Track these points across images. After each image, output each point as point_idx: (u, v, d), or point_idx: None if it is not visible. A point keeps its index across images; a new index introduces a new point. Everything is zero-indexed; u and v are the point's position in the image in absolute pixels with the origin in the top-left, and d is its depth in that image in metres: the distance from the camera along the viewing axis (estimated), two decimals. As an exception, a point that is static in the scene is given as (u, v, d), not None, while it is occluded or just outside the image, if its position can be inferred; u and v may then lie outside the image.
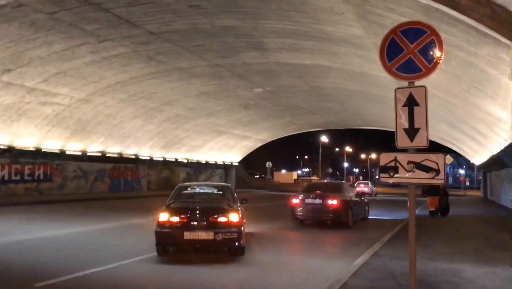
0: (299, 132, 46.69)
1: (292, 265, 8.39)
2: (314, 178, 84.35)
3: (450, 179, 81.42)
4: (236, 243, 8.19)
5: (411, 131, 5.24)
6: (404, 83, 5.38)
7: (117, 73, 20.42)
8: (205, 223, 8.04)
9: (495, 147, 20.30)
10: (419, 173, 5.18)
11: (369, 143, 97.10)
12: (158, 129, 30.38)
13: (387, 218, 18.10)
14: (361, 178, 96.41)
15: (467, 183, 71.42)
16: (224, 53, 18.20)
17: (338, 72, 19.55)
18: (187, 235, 7.91)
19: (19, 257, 8.20)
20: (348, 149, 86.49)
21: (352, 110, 31.47)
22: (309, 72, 20.67)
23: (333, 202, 13.56)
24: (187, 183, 10.94)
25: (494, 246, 9.96)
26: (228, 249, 8.42)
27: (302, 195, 14.28)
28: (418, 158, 5.20)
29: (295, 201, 14.15)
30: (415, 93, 5.25)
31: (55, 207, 19.27)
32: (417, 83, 5.31)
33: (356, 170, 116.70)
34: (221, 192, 9.67)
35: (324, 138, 64.89)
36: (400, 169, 5.28)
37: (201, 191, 9.70)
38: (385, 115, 31.16)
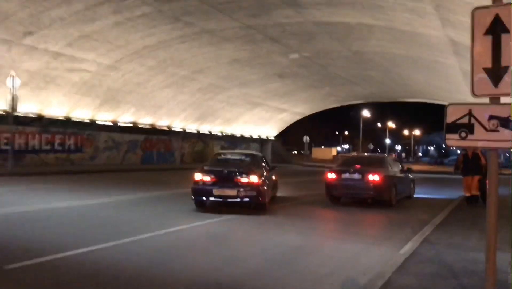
0: (339, 105, 44.33)
1: (322, 249, 6.95)
2: (354, 154, 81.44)
3: (502, 156, 76.63)
4: (256, 199, 9.96)
5: (496, 72, 3.55)
6: (487, 1, 3.65)
7: (144, 36, 19.23)
8: (230, 182, 9.88)
9: None
10: (507, 133, 3.52)
11: (414, 119, 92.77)
12: (191, 100, 29.24)
13: (436, 196, 16.18)
14: (403, 155, 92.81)
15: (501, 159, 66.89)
16: (256, 12, 16.51)
17: (383, 32, 17.44)
18: (216, 191, 9.88)
19: (9, 231, 7.19)
20: (391, 124, 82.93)
21: (397, 79, 29.03)
22: (350, 34, 18.64)
23: (374, 178, 11.85)
24: (221, 151, 14.79)
25: None
26: (249, 204, 10.11)
27: (339, 169, 12.66)
28: (506, 110, 3.53)
29: (331, 176, 12.52)
30: (504, 15, 3.53)
31: (84, 177, 18.64)
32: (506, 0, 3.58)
33: (399, 147, 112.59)
34: (248, 158, 11.45)
35: (365, 113, 61.94)
36: (477, 127, 3.63)
37: (232, 157, 11.79)
38: (434, 85, 28.58)
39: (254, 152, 13.89)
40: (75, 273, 5.13)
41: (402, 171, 14.21)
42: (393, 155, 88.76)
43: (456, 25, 13.34)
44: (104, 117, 25.79)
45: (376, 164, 12.87)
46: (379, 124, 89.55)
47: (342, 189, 12.40)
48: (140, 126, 28.59)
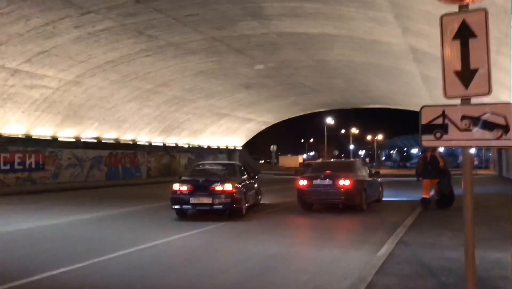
0: (304, 113, 44.92)
1: (300, 257, 6.99)
2: (320, 160, 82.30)
3: (460, 157, 79.48)
4: (231, 206, 10.64)
5: (466, 74, 3.72)
6: (454, 8, 3.83)
7: (106, 51, 18.88)
8: (205, 191, 10.57)
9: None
10: (479, 132, 3.68)
11: (376, 124, 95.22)
12: (156, 113, 28.88)
13: (402, 199, 16.60)
14: (367, 160, 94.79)
15: (476, 162, 69.75)
16: (220, 24, 16.56)
17: (345, 41, 17.87)
18: (192, 200, 10.60)
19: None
20: (354, 130, 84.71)
21: (359, 86, 29.75)
22: (313, 43, 18.99)
23: (345, 182, 12.06)
24: (201, 162, 15.55)
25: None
26: (224, 211, 10.82)
27: (310, 176, 12.79)
28: (477, 110, 3.69)
29: (302, 182, 12.64)
30: (471, 20, 3.71)
31: (48, 196, 17.96)
32: (472, 6, 3.76)
33: (363, 152, 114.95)
34: (225, 168, 12.33)
35: (329, 120, 63.08)
36: (451, 127, 3.78)
37: (210, 167, 12.69)
38: (394, 91, 29.49)
39: (232, 162, 15.68)
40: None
41: (370, 174, 14.51)
42: (358, 160, 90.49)
43: (415, 33, 13.85)
44: (66, 134, 25.06)
45: (346, 169, 13.08)
46: (343, 131, 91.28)
47: (314, 195, 12.51)
48: (104, 141, 27.94)
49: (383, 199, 15.57)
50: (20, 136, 22.49)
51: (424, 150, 11.68)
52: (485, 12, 3.65)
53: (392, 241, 7.33)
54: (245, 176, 12.38)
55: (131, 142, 30.18)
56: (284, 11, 14.91)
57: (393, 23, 13.23)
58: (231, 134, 40.43)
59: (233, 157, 42.14)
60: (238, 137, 42.70)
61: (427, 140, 3.88)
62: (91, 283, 5.40)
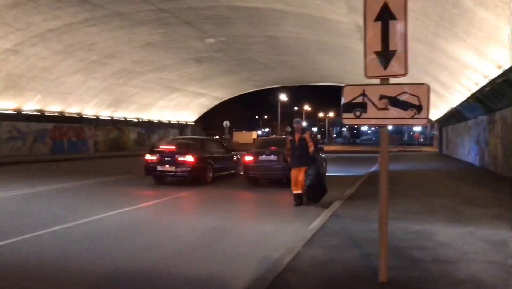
0: (257, 89, 45.03)
1: (239, 230, 7.12)
2: (274, 136, 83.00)
3: (406, 135, 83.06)
4: (191, 174, 12.82)
5: (385, 55, 3.87)
6: (343, 3, 3.94)
7: (47, 19, 17.94)
8: (171, 161, 12.70)
9: (456, 98, 19.63)
10: (395, 111, 3.87)
11: (328, 101, 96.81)
12: (103, 85, 27.95)
13: (346, 174, 17.19)
14: (319, 136, 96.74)
15: (421, 140, 73.07)
16: (168, -5, 16.11)
17: (294, 18, 17.92)
18: (160, 168, 12.81)
19: None
20: (307, 107, 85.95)
21: (311, 64, 30.09)
22: (264, 19, 18.91)
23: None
24: (177, 136, 19.59)
25: (463, 202, 9.06)
26: (186, 178, 13.07)
27: (256, 152, 12.96)
28: (394, 90, 3.87)
29: (248, 158, 12.79)
30: (392, 3, 3.84)
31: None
32: (393, -11, 3.88)
33: (315, 129, 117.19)
34: (194, 142, 14.44)
35: (283, 97, 63.61)
36: (370, 106, 3.94)
37: (182, 141, 14.52)
38: (344, 69, 30.03)
39: (204, 137, 18.52)
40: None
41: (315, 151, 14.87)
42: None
43: (362, 11, 14.08)
44: (6, 106, 23.81)
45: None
46: (296, 108, 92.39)
47: (259, 171, 12.73)
48: (48, 114, 26.81)
49: (327, 174, 16.03)
50: (-47, 107, 21.16)
51: (291, 130, 9.50)
52: (405, -5, 3.79)
53: (326, 214, 7.63)
54: (216, 149, 14.61)
55: (77, 116, 29.15)
56: (234, -16, 14.70)
57: (341, 1, 13.39)
58: (182, 109, 39.92)
59: (185, 132, 41.76)
60: (190, 113, 42.25)
61: (348, 118, 4.03)
62: (21, 257, 5.27)
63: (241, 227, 7.36)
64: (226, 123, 45.37)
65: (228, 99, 45.38)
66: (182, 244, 6.13)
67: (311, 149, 9.29)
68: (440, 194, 10.51)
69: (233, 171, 15.38)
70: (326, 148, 40.03)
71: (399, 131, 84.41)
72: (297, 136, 9.45)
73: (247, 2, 16.66)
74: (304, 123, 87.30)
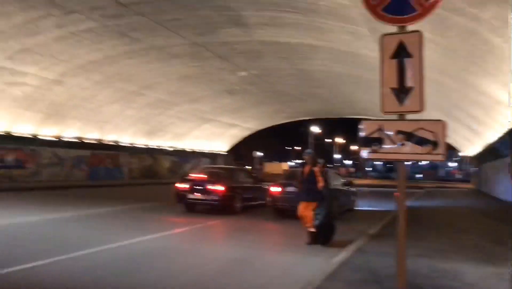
0: (289, 121, 45.33)
1: (261, 261, 7.15)
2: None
3: (443, 171, 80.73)
4: (221, 203, 12.99)
5: (401, 92, 3.97)
6: (393, 29, 4.08)
7: (89, 52, 18.96)
8: (201, 189, 12.97)
9: (491, 135, 19.16)
10: (411, 146, 3.92)
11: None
12: (139, 114, 28.92)
13: (376, 209, 16.91)
14: (352, 169, 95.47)
15: (459, 176, 70.73)
16: (202, 30, 16.77)
17: (325, 52, 18.21)
18: (190, 196, 13.09)
19: None
20: (340, 139, 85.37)
21: (342, 97, 30.18)
22: (295, 53, 19.30)
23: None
24: (207, 165, 18.36)
25: (496, 241, 8.77)
26: (216, 207, 13.07)
27: (282, 183, 13.02)
28: (410, 126, 3.94)
29: (275, 189, 12.88)
30: (407, 41, 3.97)
31: (24, 195, 17.79)
32: (409, 28, 4.02)
33: (349, 162, 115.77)
34: (223, 171, 14.73)
35: (315, 128, 63.58)
36: (386, 141, 4.01)
37: (212, 170, 14.99)
38: (376, 103, 29.66)
39: (233, 167, 18.54)
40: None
41: (343, 184, 14.81)
42: (343, 169, 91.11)
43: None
44: (47, 132, 24.96)
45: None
46: (328, 140, 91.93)
47: (286, 202, 12.73)
48: (86, 141, 27.87)
49: (357, 208, 15.87)
50: (0, 133, 22.34)
51: (303, 162, 8.91)
52: (420, 34, 3.91)
53: (350, 249, 7.56)
54: (246, 179, 14.98)
55: (113, 144, 30.13)
56: (264, 20, 15.18)
57: (368, 36, 13.57)
58: (215, 139, 40.57)
59: (217, 161, 42.26)
60: (222, 143, 42.84)
61: (366, 152, 4.11)
62: (49, 280, 5.50)
63: (264, 258, 7.38)
64: (256, 154, 45.72)
65: (260, 130, 45.84)
66: (205, 272, 6.22)
67: (320, 184, 8.43)
68: (472, 232, 10.21)
69: (262, 201, 15.44)
70: (358, 181, 39.61)
71: (434, 166, 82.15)
72: (306, 168, 8.77)
73: (278, 37, 17.10)
74: (337, 156, 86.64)
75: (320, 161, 8.93)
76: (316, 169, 8.60)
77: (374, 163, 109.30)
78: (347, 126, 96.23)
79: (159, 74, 23.17)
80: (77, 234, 8.98)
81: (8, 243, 7.76)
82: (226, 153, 44.71)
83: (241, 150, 61.67)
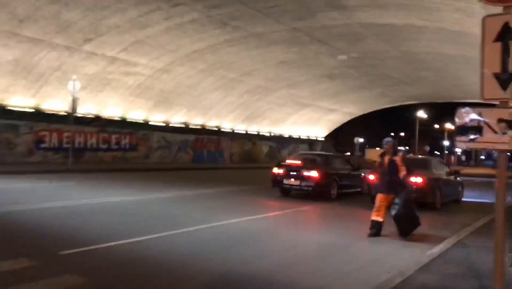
0: (393, 105, 43.46)
1: (353, 248, 7.11)
2: (411, 155, 78.39)
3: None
4: (315, 189, 13.04)
5: (505, 77, 3.66)
6: (497, 9, 3.76)
7: (194, 41, 20.02)
8: (296, 175, 13.13)
9: None
10: (515, 136, 3.61)
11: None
12: (239, 101, 29.91)
13: (487, 200, 15.64)
14: (463, 158, 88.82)
15: None
16: (301, 15, 16.75)
17: (431, 33, 17.09)
18: (286, 181, 13.33)
19: (62, 222, 7.94)
20: (449, 125, 79.63)
21: (452, 79, 28.10)
22: (399, 34, 18.40)
23: (416, 180, 11.77)
24: (302, 151, 19.08)
25: None
26: (307, 193, 13.26)
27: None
28: (514, 114, 3.62)
29: (372, 177, 12.55)
30: (513, 22, 3.63)
31: (137, 175, 19.54)
32: (517, 7, 3.67)
33: (459, 150, 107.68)
34: (318, 158, 14.75)
35: (421, 113, 60.04)
36: (486, 129, 3.75)
37: (307, 156, 15.05)
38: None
39: (320, 152, 19.10)
40: (119, 260, 5.67)
41: (449, 173, 13.94)
42: (453, 157, 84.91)
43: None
44: (157, 118, 26.99)
45: (419, 166, 12.72)
46: (436, 126, 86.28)
47: (384, 191, 12.37)
48: (191, 126, 29.62)
49: (464, 199, 14.86)
50: (116, 118, 24.69)
51: (383, 152, 8.42)
52: (529, 13, 3.55)
53: (450, 241, 7.18)
54: (342, 166, 14.83)
55: (215, 129, 31.61)
56: (366, 1, 14.71)
57: (482, 14, 12.41)
58: (313, 124, 40.44)
59: (315, 147, 42.16)
60: (320, 128, 42.56)
61: (462, 141, 3.88)
62: (151, 253, 6.09)
63: (356, 246, 7.33)
64: (357, 140, 44.57)
65: (362, 115, 44.66)
66: (296, 255, 6.39)
67: (402, 173, 8.00)
68: None
69: (359, 189, 15.18)
70: (470, 170, 36.75)
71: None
72: (386, 159, 8.27)
73: (380, 18, 16.44)
74: (446, 142, 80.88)
75: (401, 149, 8.63)
76: (397, 158, 8.14)
77: (490, 151, 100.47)
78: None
79: (258, 61, 23.68)
80: (182, 212, 9.70)
81: (119, 219, 8.67)
82: (323, 139, 44.36)
83: (341, 136, 60.74)
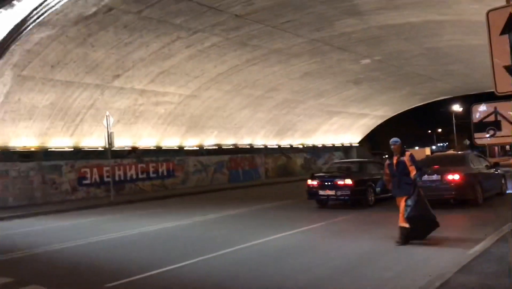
0: (425, 103, 42.49)
1: (392, 254, 7.03)
2: (451, 151, 75.97)
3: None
4: (352, 198, 13.00)
5: (516, 69, 3.63)
6: (501, 2, 3.76)
7: (217, 65, 20.45)
8: (330, 185, 13.13)
9: None
10: (534, 127, 3.57)
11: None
12: (269, 116, 30.10)
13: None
14: (507, 148, 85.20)
15: None
16: (318, 25, 16.86)
17: (454, 26, 16.77)
18: (321, 192, 13.33)
19: (107, 255, 8.26)
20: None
21: (481, 70, 27.20)
22: (419, 32, 18.15)
23: (454, 177, 11.52)
24: (337, 160, 20.40)
25: None
26: (347, 201, 13.21)
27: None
28: (530, 105, 3.59)
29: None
30: (517, 13, 3.62)
31: (176, 200, 19.86)
32: (519, -2, 3.66)
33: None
34: (352, 165, 15.37)
35: (456, 108, 58.46)
36: (504, 124, 3.72)
37: (341, 165, 15.83)
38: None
39: (357, 159, 18.97)
40: (167, 287, 5.86)
41: (489, 167, 13.54)
42: (496, 148, 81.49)
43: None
44: (190, 143, 27.53)
45: (456, 163, 12.47)
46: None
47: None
48: (224, 147, 30.00)
49: (509, 191, 14.33)
50: (152, 148, 25.38)
51: (390, 154, 8.24)
52: (531, 3, 3.54)
53: (492, 238, 6.99)
54: (377, 171, 14.11)
55: (248, 147, 31.85)
56: (380, 4, 14.66)
57: (501, 2, 12.15)
58: (345, 131, 40.07)
59: (350, 153, 41.66)
60: (353, 134, 42.09)
61: (481, 138, 3.86)
62: (193, 278, 6.25)
63: (395, 252, 7.23)
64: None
65: (396, 116, 43.92)
66: (333, 267, 6.39)
67: (412, 173, 7.61)
68: None
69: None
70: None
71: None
72: (395, 159, 7.93)
73: (397, 19, 16.33)
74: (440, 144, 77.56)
75: (408, 149, 8.31)
76: (404, 158, 7.78)
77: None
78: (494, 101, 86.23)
79: (281, 76, 23.87)
80: (219, 235, 9.87)
81: (159, 246, 8.92)
82: (358, 144, 43.81)
83: (377, 139, 59.78)
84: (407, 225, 7.55)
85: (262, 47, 19.06)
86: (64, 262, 7.75)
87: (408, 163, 7.71)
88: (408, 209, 7.49)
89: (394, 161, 7.92)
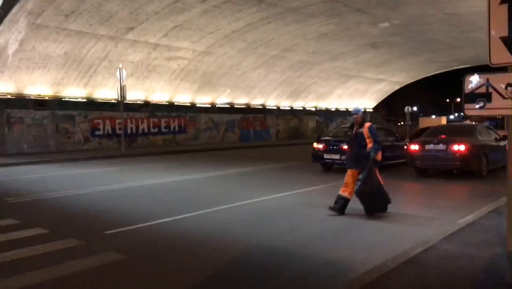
0: (444, 70, 41.54)
1: (387, 220, 7.15)
2: (468, 122, 74.65)
3: None
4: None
5: (512, 40, 3.57)
6: (503, -30, 3.65)
7: (231, 21, 20.18)
8: (336, 149, 13.27)
9: None
10: (523, 100, 3.55)
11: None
12: (282, 77, 29.85)
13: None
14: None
15: None
16: (336, -15, 16.39)
17: (477, -8, 16.17)
18: (326, 156, 13.55)
19: (111, 204, 8.56)
20: (509, 87, 74.90)
21: (505, 39, 26.42)
22: (441, -4, 17.57)
23: (459, 148, 11.45)
24: (343, 125, 19.49)
25: None
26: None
27: (422, 141, 12.39)
28: (522, 78, 3.55)
29: (414, 147, 12.33)
30: (519, -18, 3.52)
31: (187, 156, 20.13)
32: (522, -34, 3.54)
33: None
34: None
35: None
36: (495, 96, 3.70)
37: (347, 130, 14.43)
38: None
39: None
40: (162, 237, 6.12)
41: (498, 139, 13.38)
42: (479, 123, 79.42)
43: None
44: (203, 100, 27.61)
45: (463, 133, 12.37)
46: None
47: (426, 160, 12.17)
48: (236, 106, 30.03)
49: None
50: (164, 103, 25.54)
51: (351, 124, 7.91)
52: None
53: (485, 209, 7.05)
54: (386, 138, 14.09)
55: (260, 107, 31.84)
56: (401, -34, 14.13)
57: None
58: (360, 96, 39.63)
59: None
60: (368, 99, 41.63)
61: (470, 109, 3.86)
62: (189, 229, 6.50)
63: (390, 217, 7.34)
64: (407, 109, 43.19)
65: (415, 83, 43.17)
66: (326, 228, 6.56)
67: (369, 146, 7.26)
68: None
69: (403, 160, 14.94)
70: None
71: None
72: (354, 130, 7.57)
73: (419, -19, 15.77)
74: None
75: (367, 119, 7.77)
76: (363, 129, 7.38)
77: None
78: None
79: (297, 36, 23.47)
80: (223, 191, 10.11)
81: (163, 199, 9.20)
82: (372, 110, 43.38)
83: (393, 105, 58.95)
84: (345, 194, 7.37)
85: (278, 5, 18.67)
86: (69, 208, 8.07)
87: (366, 135, 7.35)
88: (358, 183, 7.18)
89: (354, 132, 7.59)
